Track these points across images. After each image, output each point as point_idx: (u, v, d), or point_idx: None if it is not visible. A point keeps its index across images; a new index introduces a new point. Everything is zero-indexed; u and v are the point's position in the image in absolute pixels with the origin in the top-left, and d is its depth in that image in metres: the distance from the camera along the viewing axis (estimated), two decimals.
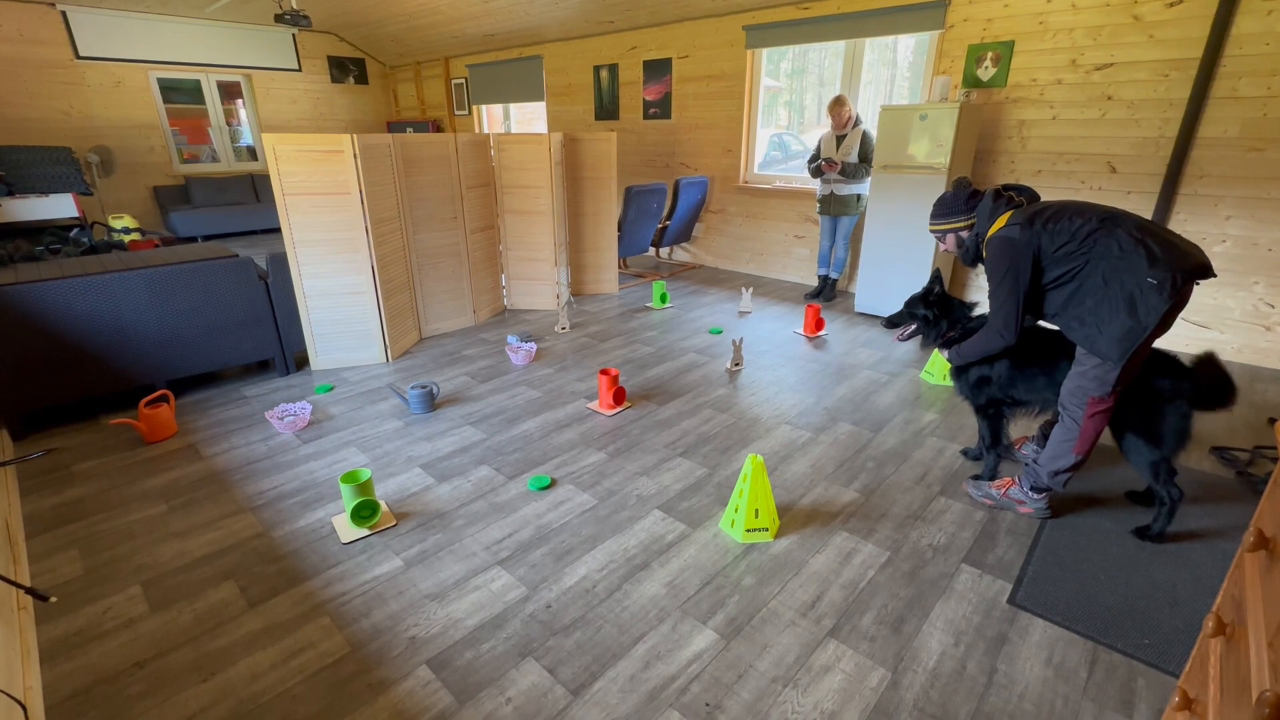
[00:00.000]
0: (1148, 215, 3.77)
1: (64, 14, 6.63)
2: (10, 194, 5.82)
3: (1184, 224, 3.68)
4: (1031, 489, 2.21)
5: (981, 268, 2.22)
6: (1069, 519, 2.22)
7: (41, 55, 6.63)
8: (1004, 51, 4.06)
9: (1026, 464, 2.25)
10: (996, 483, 2.32)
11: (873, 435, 2.84)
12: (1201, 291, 3.69)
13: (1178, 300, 1.79)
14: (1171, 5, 3.46)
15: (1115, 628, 1.74)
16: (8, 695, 1.24)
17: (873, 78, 5.16)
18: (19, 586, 1.20)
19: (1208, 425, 2.89)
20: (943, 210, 2.29)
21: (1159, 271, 1.76)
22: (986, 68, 4.15)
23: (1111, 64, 3.71)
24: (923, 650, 1.68)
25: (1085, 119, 3.87)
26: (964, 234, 2.25)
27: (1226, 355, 3.64)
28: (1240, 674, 0.83)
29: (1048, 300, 2.06)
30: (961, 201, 2.24)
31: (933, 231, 2.34)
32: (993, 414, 2.38)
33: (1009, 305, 2.05)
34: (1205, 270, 1.79)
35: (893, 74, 5.29)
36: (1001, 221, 2.06)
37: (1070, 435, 2.05)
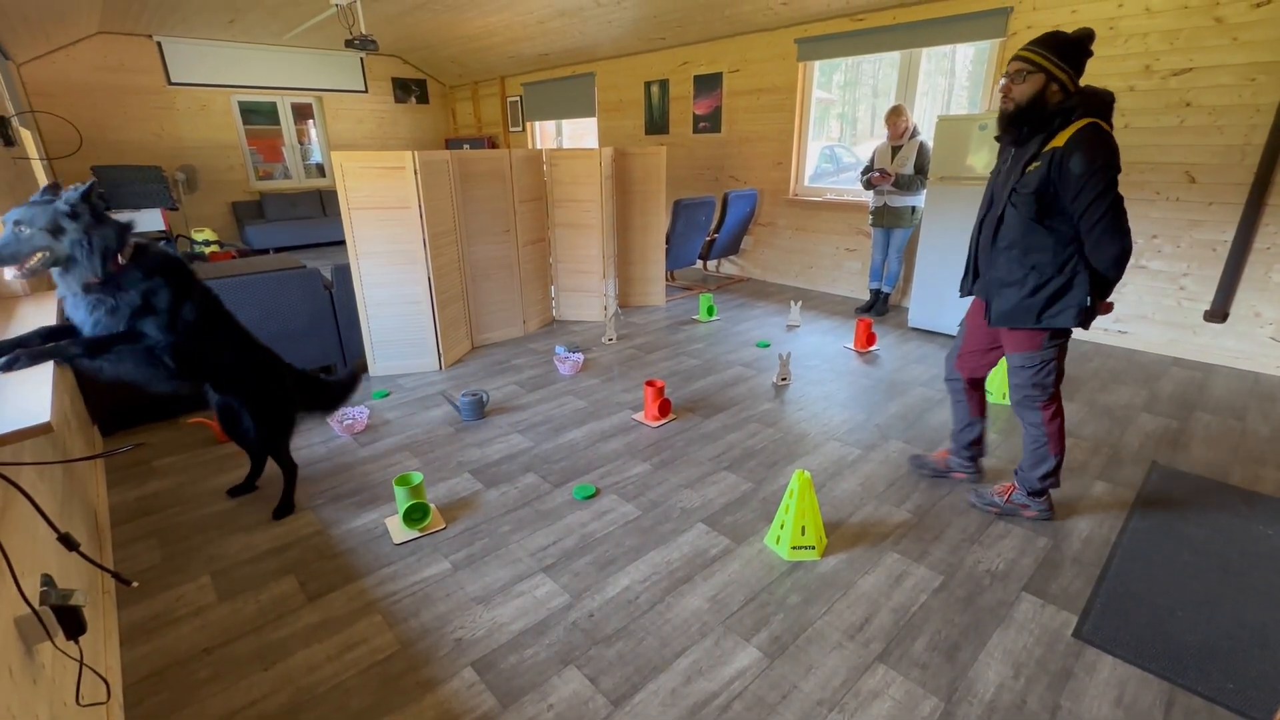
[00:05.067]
0: (1231, 227, 3.54)
1: (159, 44, 7.22)
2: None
3: (1274, 237, 3.43)
4: (1029, 495, 2.22)
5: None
6: (1142, 550, 2.08)
7: (139, 82, 7.22)
8: None
9: (1016, 472, 2.26)
10: (998, 489, 2.30)
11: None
12: None
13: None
14: (1258, 6, 3.25)
15: (1195, 669, 1.61)
16: (95, 672, 1.33)
17: (929, 88, 5.05)
18: (106, 570, 1.29)
19: None
20: (1060, 48, 1.76)
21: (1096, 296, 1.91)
22: None
23: (1190, 69, 3.52)
24: (979, 681, 1.60)
25: (1161, 127, 3.67)
26: (1054, 87, 1.78)
27: None
28: None
29: (1053, 231, 1.85)
30: (1080, 55, 1.78)
31: (1025, 60, 1.80)
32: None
33: (1118, 200, 1.76)
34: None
35: (950, 83, 5.16)
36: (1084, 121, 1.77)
37: (1040, 442, 2.12)
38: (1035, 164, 1.82)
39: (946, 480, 2.52)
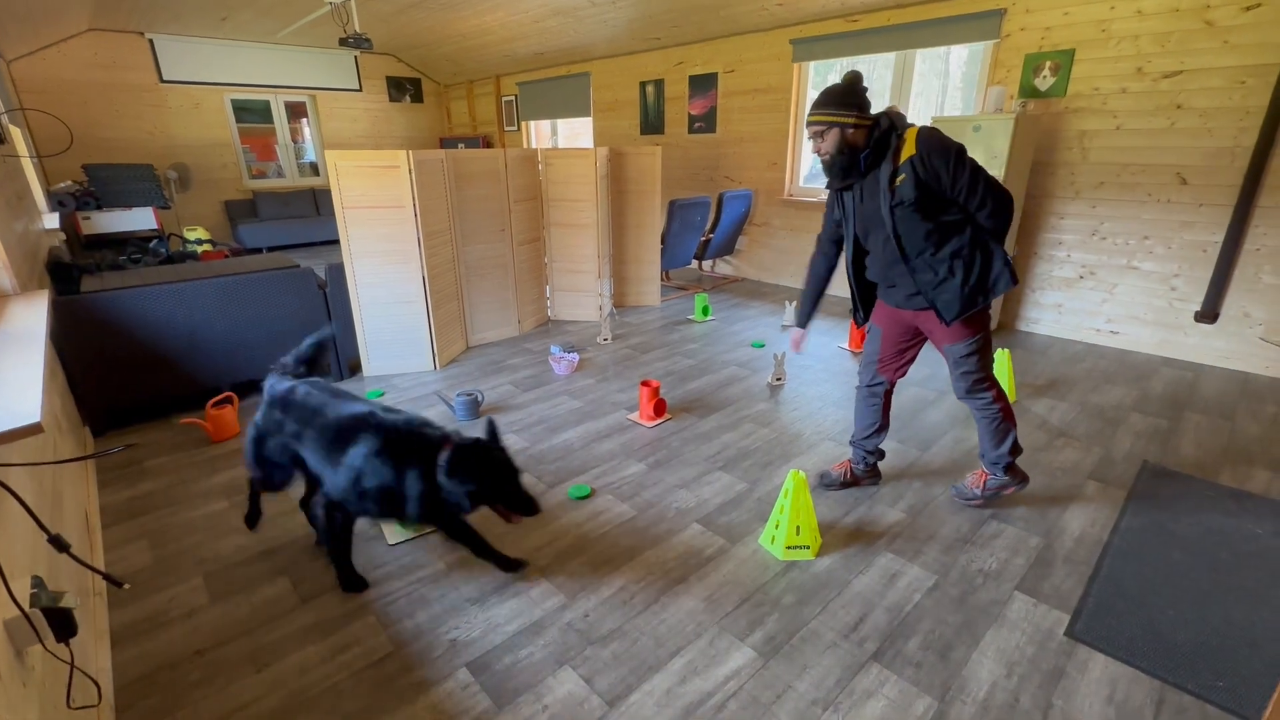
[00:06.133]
0: (1221, 229, 3.57)
1: (151, 41, 7.16)
2: (99, 208, 6.29)
3: (1262, 237, 3.46)
4: (1004, 472, 2.29)
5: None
6: (1133, 549, 2.10)
7: (131, 80, 7.16)
8: (1063, 60, 3.93)
9: (982, 457, 2.33)
10: (971, 480, 2.37)
11: (920, 454, 2.76)
12: (1277, 308, 3.47)
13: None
14: (1248, 9, 3.28)
15: (1186, 667, 1.63)
16: (86, 675, 1.32)
17: (924, 89, 5.07)
18: (97, 572, 1.28)
19: None
20: (836, 100, 1.94)
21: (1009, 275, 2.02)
22: (1045, 77, 4.02)
23: (1181, 71, 3.54)
24: (972, 680, 1.61)
25: (1152, 129, 3.69)
26: (850, 131, 1.95)
27: None
28: None
29: (923, 231, 1.98)
30: (856, 95, 1.96)
31: (815, 123, 1.98)
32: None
33: (981, 168, 1.91)
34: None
35: (944, 85, 5.18)
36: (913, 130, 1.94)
37: (995, 420, 2.22)
38: (900, 177, 1.94)
39: (927, 483, 2.54)
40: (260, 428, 2.00)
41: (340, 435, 1.81)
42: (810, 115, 2.00)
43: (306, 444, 1.87)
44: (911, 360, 2.33)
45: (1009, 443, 2.25)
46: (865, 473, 2.50)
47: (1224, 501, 2.36)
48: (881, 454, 2.51)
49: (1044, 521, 2.27)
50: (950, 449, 2.79)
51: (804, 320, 2.41)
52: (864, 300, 2.32)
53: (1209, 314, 3.70)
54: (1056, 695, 1.57)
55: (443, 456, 1.73)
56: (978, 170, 1.90)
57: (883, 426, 2.43)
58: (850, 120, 1.93)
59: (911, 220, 1.98)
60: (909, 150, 1.91)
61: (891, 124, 1.95)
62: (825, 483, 2.52)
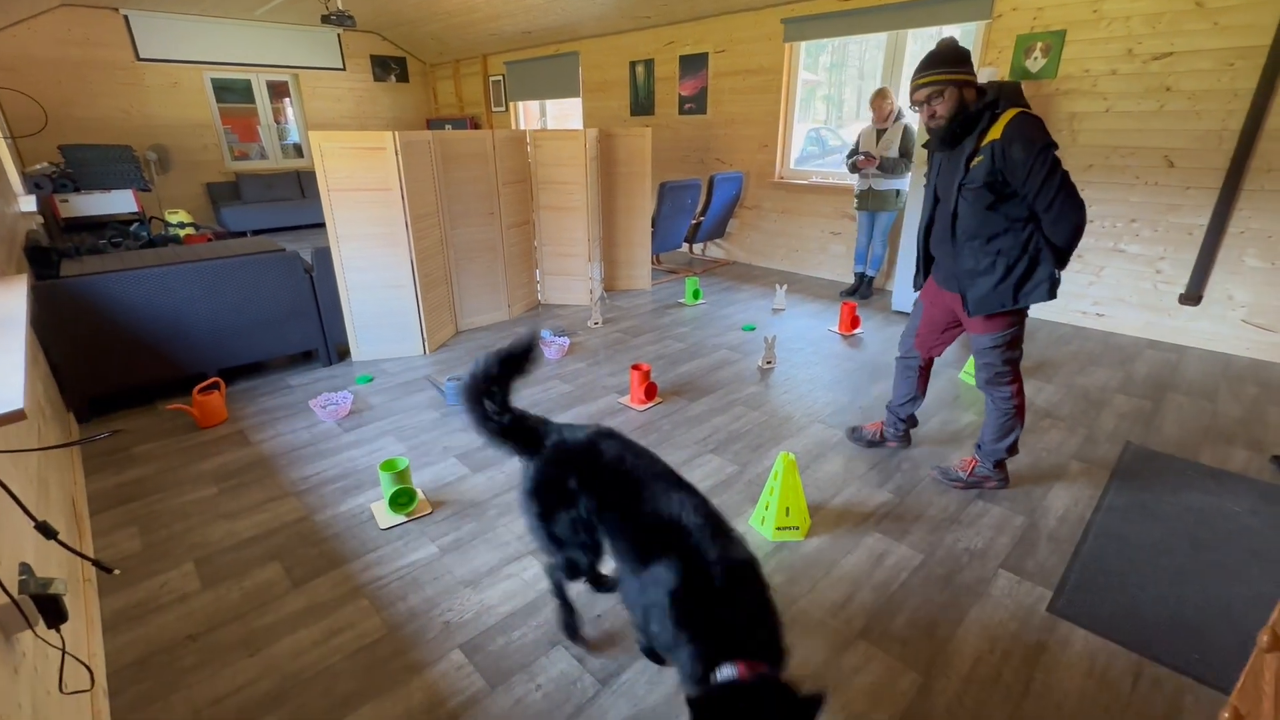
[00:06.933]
0: (1207, 212, 3.60)
1: (126, 17, 6.95)
2: (76, 190, 6.14)
3: (1247, 220, 3.49)
4: (994, 466, 2.33)
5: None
6: (1115, 527, 2.14)
7: (105, 57, 6.96)
8: (1055, 41, 3.91)
9: (978, 446, 2.36)
10: (959, 464, 2.41)
11: (909, 443, 2.78)
12: (1271, 293, 3.51)
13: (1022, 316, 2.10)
14: None
15: (1163, 641, 1.67)
16: (78, 660, 1.32)
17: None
18: (86, 558, 1.27)
19: (1271, 433, 2.75)
20: (951, 59, 1.88)
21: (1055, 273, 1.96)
22: (1036, 58, 4.01)
23: (1171, 53, 3.54)
24: (956, 656, 1.65)
25: (1141, 111, 3.70)
26: (968, 91, 1.90)
27: None
28: None
29: (993, 217, 1.95)
30: (967, 55, 1.92)
31: (933, 83, 1.91)
32: None
33: (1066, 174, 1.83)
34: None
35: None
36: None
37: (1007, 415, 2.23)
38: (978, 158, 1.90)
39: (915, 465, 2.57)
40: (543, 501, 1.50)
41: (646, 540, 1.33)
42: (925, 77, 1.91)
43: (606, 525, 1.43)
44: (948, 342, 2.36)
45: (1010, 440, 2.27)
46: (896, 436, 2.63)
47: (1204, 481, 2.41)
48: (915, 421, 2.63)
49: (1029, 501, 2.31)
50: (938, 431, 2.82)
51: (918, 285, 2.37)
52: (925, 264, 2.29)
53: (1193, 296, 3.75)
54: (1038, 669, 1.61)
55: (728, 671, 1.10)
56: (1058, 173, 1.81)
57: (918, 397, 2.52)
58: (970, 78, 1.90)
59: (974, 204, 1.95)
60: (995, 134, 1.85)
61: (996, 100, 1.88)
62: (854, 437, 2.68)
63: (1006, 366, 2.16)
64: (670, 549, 1.27)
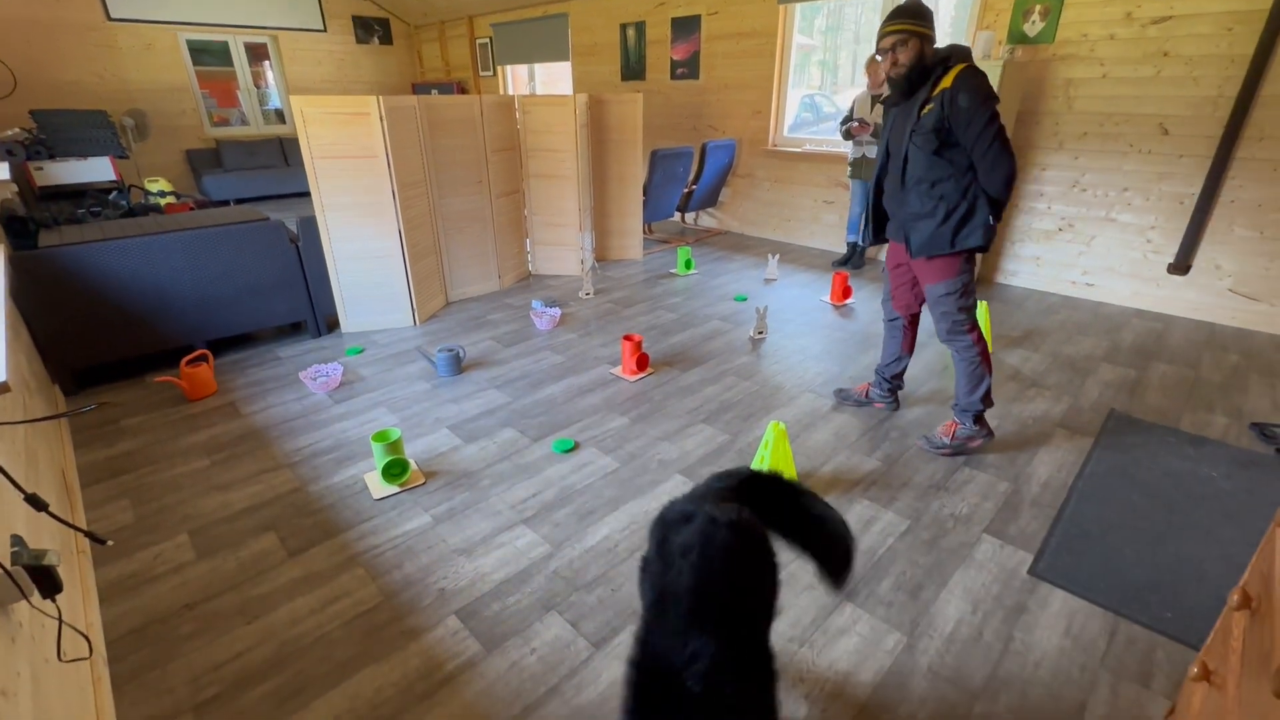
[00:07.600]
0: (1199, 180, 3.59)
1: None
2: (51, 157, 5.96)
3: (1238, 190, 3.50)
4: (973, 423, 2.39)
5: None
6: (1096, 492, 2.19)
7: (75, 18, 6.69)
8: (1053, 4, 3.84)
9: (954, 407, 2.43)
10: (941, 430, 2.47)
11: (898, 405, 2.81)
12: (1258, 262, 3.53)
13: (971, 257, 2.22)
14: None
15: (1138, 601, 1.73)
16: (75, 630, 1.33)
17: None
18: (78, 530, 1.28)
19: (1250, 401, 2.80)
20: (917, 11, 2.01)
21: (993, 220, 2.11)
22: (1034, 22, 3.94)
23: (1170, 17, 3.49)
24: (939, 617, 1.70)
25: (1138, 77, 3.66)
26: (928, 45, 2.04)
27: None
28: (1263, 647, 0.83)
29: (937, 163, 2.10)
30: (930, 12, 2.04)
31: (898, 31, 2.01)
32: None
33: (1002, 128, 2.00)
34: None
35: None
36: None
37: (974, 364, 2.31)
38: (929, 105, 2.05)
39: (904, 433, 2.60)
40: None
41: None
42: (891, 26, 2.03)
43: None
44: (922, 298, 2.43)
45: (982, 390, 2.34)
46: (882, 398, 2.74)
47: (1183, 447, 2.46)
48: (901, 383, 2.72)
49: (1013, 468, 2.35)
50: (927, 400, 2.86)
51: (866, 240, 2.55)
52: (876, 220, 2.44)
53: (1181, 266, 3.77)
54: (1018, 629, 1.66)
55: None
56: (994, 126, 1.97)
57: (901, 358, 2.61)
58: (930, 34, 2.03)
59: (923, 148, 2.08)
60: (946, 83, 2.00)
61: (949, 55, 2.03)
62: (841, 397, 2.79)
63: (963, 314, 2.27)
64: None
